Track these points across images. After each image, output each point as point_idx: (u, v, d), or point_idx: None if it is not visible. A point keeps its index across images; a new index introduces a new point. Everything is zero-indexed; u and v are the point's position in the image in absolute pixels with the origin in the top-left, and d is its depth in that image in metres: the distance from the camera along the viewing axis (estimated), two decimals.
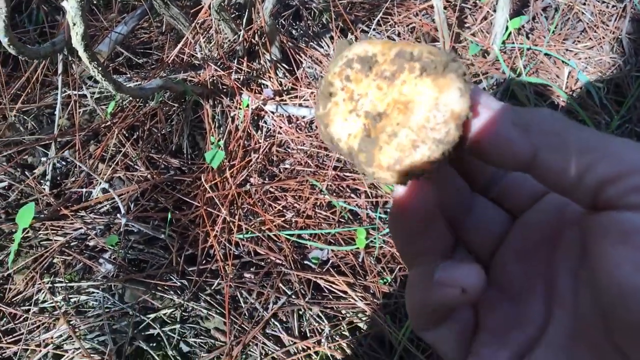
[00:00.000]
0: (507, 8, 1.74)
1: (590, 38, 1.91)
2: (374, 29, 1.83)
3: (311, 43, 1.78)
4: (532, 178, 0.37)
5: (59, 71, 1.45)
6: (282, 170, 1.61)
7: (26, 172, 1.49)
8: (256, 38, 1.69)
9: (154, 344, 1.24)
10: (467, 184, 0.43)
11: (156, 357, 1.22)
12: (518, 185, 0.41)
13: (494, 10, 1.91)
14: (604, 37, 1.89)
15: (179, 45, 1.65)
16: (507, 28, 1.77)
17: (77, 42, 1.08)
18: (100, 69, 1.17)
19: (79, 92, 1.54)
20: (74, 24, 1.04)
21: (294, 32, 1.82)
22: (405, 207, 0.36)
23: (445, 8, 1.83)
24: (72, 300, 1.27)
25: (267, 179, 1.58)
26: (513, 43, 1.81)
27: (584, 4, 2.01)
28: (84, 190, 1.44)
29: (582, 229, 0.34)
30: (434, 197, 0.36)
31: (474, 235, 0.41)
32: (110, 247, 1.33)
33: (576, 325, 0.34)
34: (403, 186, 0.34)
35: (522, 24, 1.81)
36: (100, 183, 1.44)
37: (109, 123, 1.55)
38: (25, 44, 1.21)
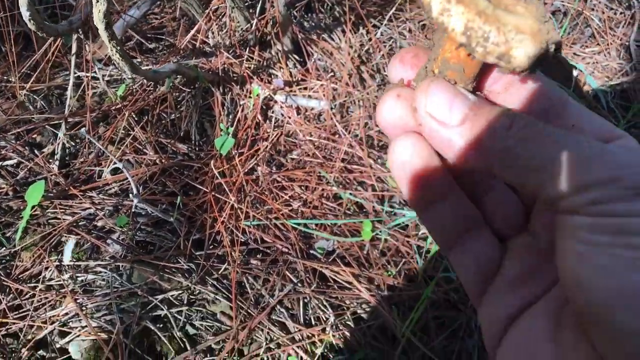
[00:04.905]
0: None
1: (598, 43, 1.93)
2: (385, 25, 1.84)
3: (323, 35, 1.79)
4: None
5: (73, 51, 1.45)
6: (289, 160, 1.61)
7: (35, 151, 1.49)
8: (268, 28, 1.69)
9: (161, 325, 1.25)
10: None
11: (163, 338, 1.22)
12: None
13: None
14: (611, 43, 1.91)
15: (192, 31, 1.65)
16: None
17: (98, 20, 1.08)
18: (118, 48, 1.17)
19: (91, 74, 1.54)
20: (97, 1, 1.04)
21: (305, 23, 1.82)
22: (420, 175, 0.37)
23: None
24: (79, 278, 1.27)
25: (274, 168, 1.58)
26: None
27: (593, 9, 2.03)
28: (96, 169, 1.44)
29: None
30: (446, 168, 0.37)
31: (492, 214, 0.41)
32: (119, 228, 1.33)
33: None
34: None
35: None
36: (110, 164, 1.45)
37: (119, 106, 1.55)
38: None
